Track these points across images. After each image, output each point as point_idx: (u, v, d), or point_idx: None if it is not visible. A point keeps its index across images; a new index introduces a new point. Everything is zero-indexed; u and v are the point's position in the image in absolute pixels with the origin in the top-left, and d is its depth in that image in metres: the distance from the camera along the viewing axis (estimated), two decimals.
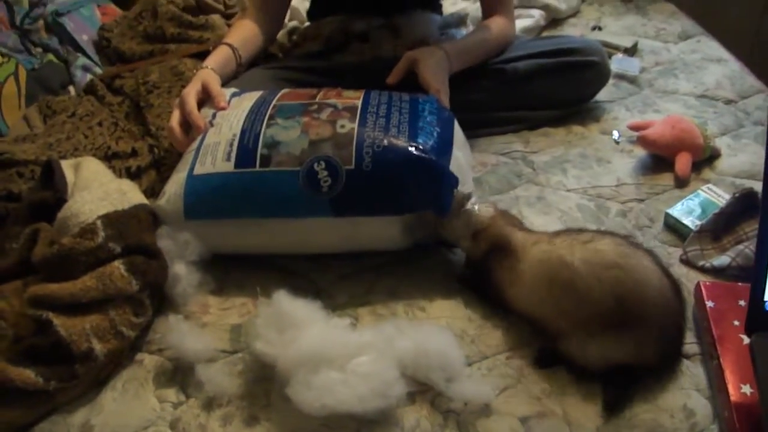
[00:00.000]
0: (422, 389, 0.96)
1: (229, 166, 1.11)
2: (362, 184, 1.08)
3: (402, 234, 1.12)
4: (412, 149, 1.09)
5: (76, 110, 1.50)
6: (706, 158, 1.39)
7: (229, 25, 1.74)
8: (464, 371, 0.97)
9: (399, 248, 1.16)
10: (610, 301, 0.93)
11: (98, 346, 0.98)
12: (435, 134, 1.14)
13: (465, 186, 1.13)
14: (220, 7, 1.84)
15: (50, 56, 1.71)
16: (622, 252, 0.96)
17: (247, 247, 1.17)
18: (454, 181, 1.11)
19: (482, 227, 1.07)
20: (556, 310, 0.97)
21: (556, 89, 1.49)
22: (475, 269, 1.11)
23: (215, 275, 1.15)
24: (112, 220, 1.08)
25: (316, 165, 1.08)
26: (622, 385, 0.96)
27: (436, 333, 0.99)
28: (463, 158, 1.19)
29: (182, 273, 1.11)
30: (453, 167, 1.13)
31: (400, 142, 1.10)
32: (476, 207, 1.09)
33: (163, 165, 1.36)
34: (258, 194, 1.10)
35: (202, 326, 1.08)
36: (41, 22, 1.76)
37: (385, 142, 1.09)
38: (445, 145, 1.15)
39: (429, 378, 0.95)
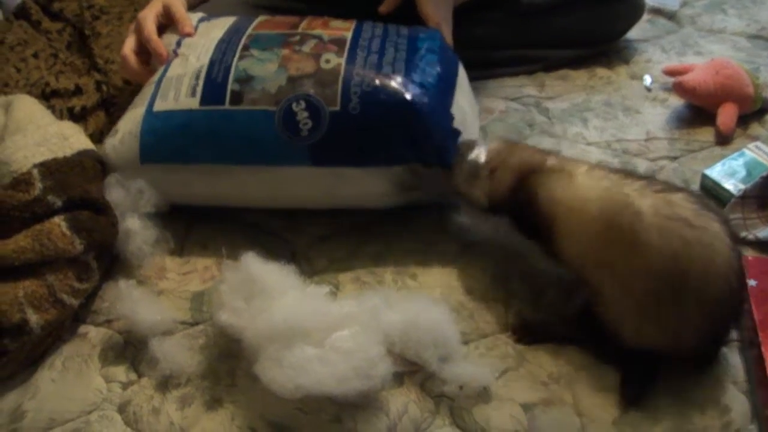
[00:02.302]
0: (411, 369, 0.99)
1: (194, 103, 1.14)
2: (348, 128, 1.11)
3: (393, 190, 1.15)
4: (408, 91, 1.12)
5: (5, 38, 1.50)
6: (755, 111, 1.40)
7: None
8: (460, 350, 1.00)
9: (389, 207, 1.19)
10: (668, 259, 0.91)
11: (33, 317, 1.00)
12: (435, 75, 1.16)
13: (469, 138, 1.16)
14: None
15: None
16: (697, 210, 0.94)
17: (212, 198, 1.20)
18: (455, 131, 1.15)
19: (497, 163, 1.08)
20: (604, 256, 0.96)
21: (578, 25, 1.52)
22: (505, 210, 1.10)
23: (174, 233, 1.18)
24: (51, 169, 1.10)
25: (295, 105, 1.11)
26: (646, 371, 0.98)
27: (429, 305, 1.02)
28: (468, 107, 1.22)
29: (136, 228, 1.13)
30: (455, 116, 1.16)
31: (395, 83, 1.12)
32: (482, 153, 1.10)
33: (112, 105, 1.39)
34: (226, 136, 1.13)
35: (158, 293, 1.11)
36: None
37: (377, 81, 1.12)
38: (446, 90, 1.18)
39: (419, 357, 0.98)
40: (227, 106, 1.13)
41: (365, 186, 1.15)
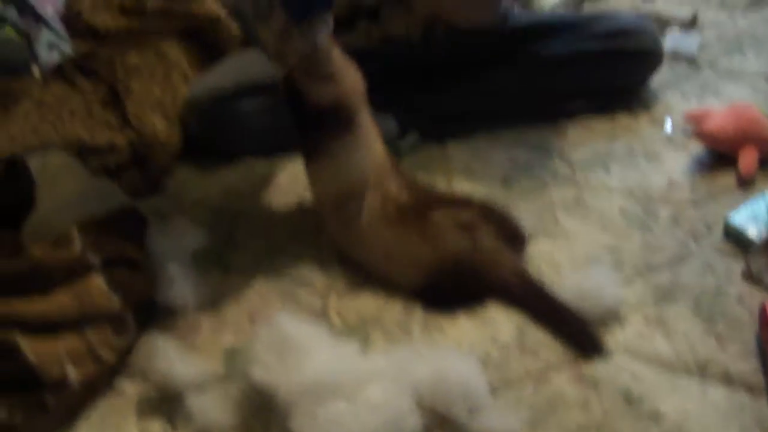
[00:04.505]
0: (441, 422, 1.00)
1: None
2: None
3: None
4: None
5: (44, 97, 1.53)
6: None
7: None
8: (488, 401, 1.02)
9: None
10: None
11: (73, 373, 1.02)
12: None
13: None
14: None
15: (8, 30, 1.74)
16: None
17: None
18: None
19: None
20: None
21: (598, 78, 1.54)
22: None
23: (210, 285, 1.22)
24: (88, 226, 1.12)
25: None
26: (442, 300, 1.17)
27: (457, 358, 1.04)
28: None
29: (176, 275, 1.17)
30: None
31: None
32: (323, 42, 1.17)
33: (146, 162, 1.42)
34: None
35: (193, 348, 1.13)
36: None
37: None
38: None
39: (449, 409, 0.99)
40: None
41: None
